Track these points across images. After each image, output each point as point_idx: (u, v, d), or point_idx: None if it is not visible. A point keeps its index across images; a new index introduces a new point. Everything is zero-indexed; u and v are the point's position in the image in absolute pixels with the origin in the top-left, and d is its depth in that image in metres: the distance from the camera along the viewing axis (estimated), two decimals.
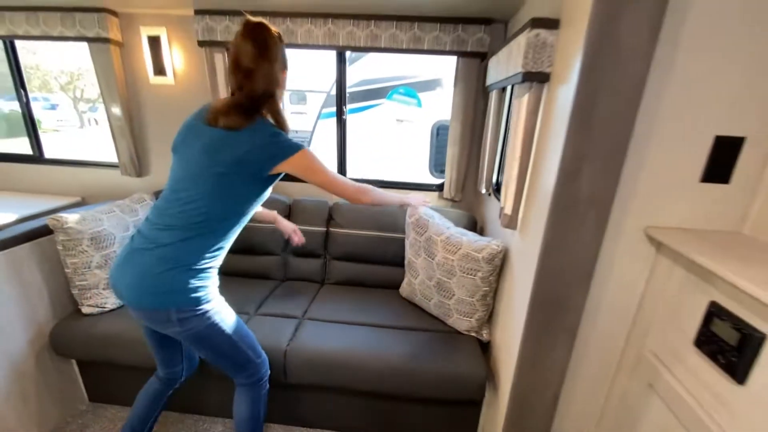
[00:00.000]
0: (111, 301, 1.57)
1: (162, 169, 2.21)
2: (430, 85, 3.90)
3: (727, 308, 0.79)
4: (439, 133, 2.84)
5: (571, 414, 1.27)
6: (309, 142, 4.38)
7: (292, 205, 1.94)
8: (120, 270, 1.06)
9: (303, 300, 1.73)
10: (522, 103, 1.18)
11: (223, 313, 1.13)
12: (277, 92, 1.11)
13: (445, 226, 1.61)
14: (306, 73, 8.94)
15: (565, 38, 1.00)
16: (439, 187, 2.10)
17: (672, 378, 0.93)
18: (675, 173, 0.98)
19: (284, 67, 1.13)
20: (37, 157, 2.33)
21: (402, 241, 1.80)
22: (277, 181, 1.15)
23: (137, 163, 2.14)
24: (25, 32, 1.93)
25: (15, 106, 2.27)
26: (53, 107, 13.76)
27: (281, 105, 1.15)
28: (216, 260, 1.12)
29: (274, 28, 1.06)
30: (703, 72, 0.90)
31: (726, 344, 0.78)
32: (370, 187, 1.32)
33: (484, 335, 1.53)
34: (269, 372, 1.30)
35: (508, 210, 1.29)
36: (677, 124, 0.95)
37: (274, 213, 1.59)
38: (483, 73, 1.82)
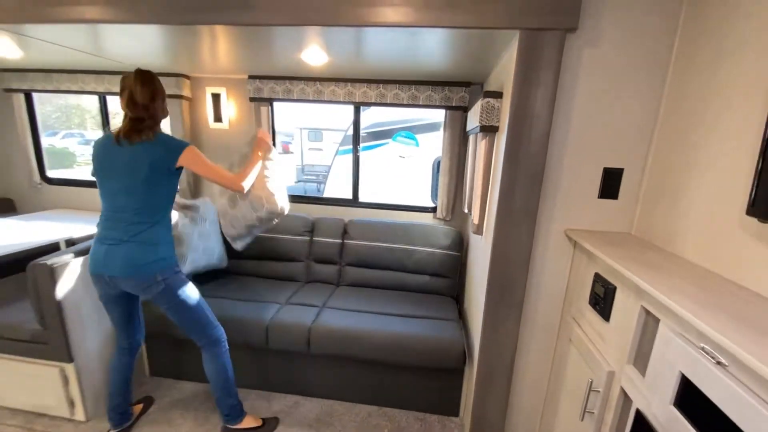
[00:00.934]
0: None
1: (211, 191, 2.75)
2: (430, 127, 4.63)
3: (600, 274, 1.23)
4: (438, 166, 3.37)
5: (527, 378, 1.65)
6: (327, 175, 5.01)
7: (314, 222, 2.45)
8: (108, 259, 1.43)
9: (323, 296, 2.18)
10: (481, 146, 1.68)
11: (181, 275, 1.55)
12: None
13: None
14: (322, 115, 9.79)
15: (504, 104, 1.52)
16: (433, 209, 2.58)
17: (579, 330, 1.35)
18: (581, 191, 1.45)
19: (164, 98, 1.52)
20: None
21: (404, 251, 2.27)
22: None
23: (193, 188, 2.70)
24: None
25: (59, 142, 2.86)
26: (88, 142, 15.04)
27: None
28: (171, 235, 1.55)
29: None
30: (590, 125, 1.39)
31: (599, 297, 1.21)
32: (241, 174, 1.63)
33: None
34: (226, 338, 1.67)
35: (475, 220, 1.76)
36: (577, 159, 1.42)
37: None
38: (465, 121, 2.36)
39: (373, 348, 1.79)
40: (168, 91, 2.48)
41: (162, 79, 2.45)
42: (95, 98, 2.80)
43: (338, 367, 1.95)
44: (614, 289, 1.14)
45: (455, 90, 2.32)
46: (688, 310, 0.78)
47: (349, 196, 2.66)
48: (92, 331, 1.85)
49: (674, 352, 0.83)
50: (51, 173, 3.02)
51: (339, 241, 2.38)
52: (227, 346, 1.70)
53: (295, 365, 1.98)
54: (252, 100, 2.46)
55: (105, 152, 1.46)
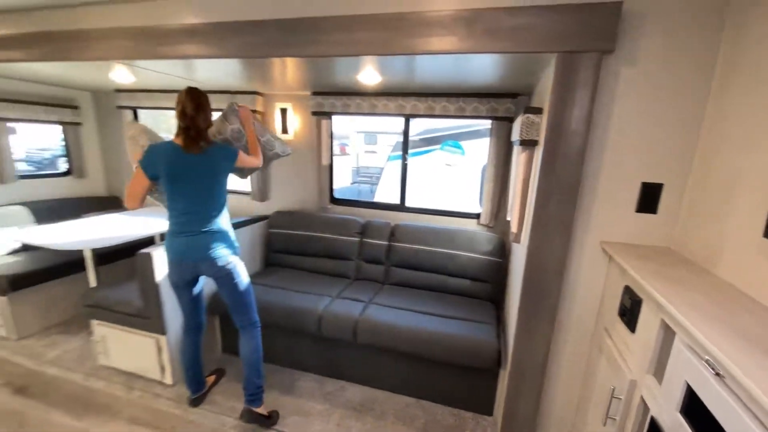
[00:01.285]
0: None
1: (277, 195, 3.10)
2: (478, 133, 4.70)
3: (630, 287, 1.28)
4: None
5: (560, 384, 1.71)
6: (379, 178, 5.27)
7: (365, 225, 2.67)
8: (190, 248, 1.72)
9: (369, 293, 2.38)
10: (521, 158, 1.77)
11: (244, 267, 1.86)
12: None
13: None
14: (377, 120, 10.14)
15: (544, 120, 1.60)
16: (477, 216, 2.67)
17: (609, 340, 1.40)
18: (618, 205, 1.48)
19: (206, 111, 1.73)
20: None
21: (447, 255, 2.40)
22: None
23: (263, 191, 3.06)
24: (216, 107, 2.99)
25: None
26: None
27: None
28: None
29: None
30: (628, 140, 1.43)
31: (627, 309, 1.26)
32: (255, 155, 1.96)
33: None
34: (260, 325, 1.93)
35: (514, 229, 1.84)
36: (614, 173, 1.46)
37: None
38: (510, 130, 2.42)
39: (412, 343, 1.95)
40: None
41: (239, 96, 2.84)
42: None
43: (381, 358, 2.13)
44: (640, 301, 1.19)
45: (501, 101, 2.39)
46: (694, 323, 0.84)
47: (397, 200, 2.85)
48: (178, 311, 2.23)
49: (683, 362, 0.89)
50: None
51: (386, 243, 2.57)
52: (260, 331, 1.95)
53: (343, 353, 2.21)
54: (314, 114, 2.74)
55: (176, 159, 1.68)
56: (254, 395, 1.90)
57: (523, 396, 1.70)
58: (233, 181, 2.07)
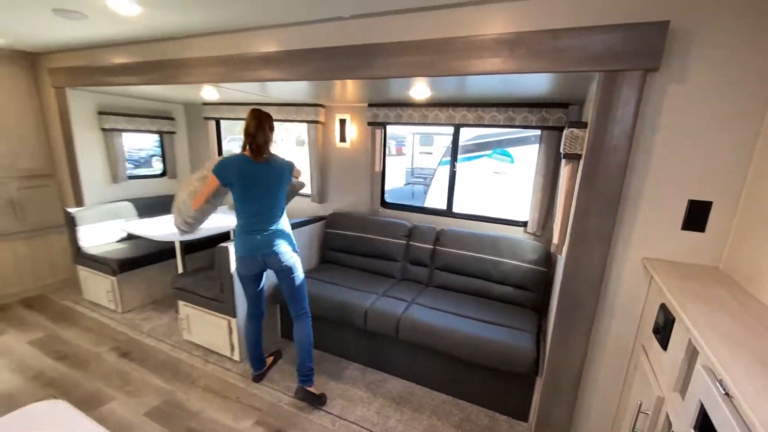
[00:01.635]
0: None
1: (334, 198, 3.37)
2: (528, 140, 4.61)
3: (665, 305, 1.28)
4: None
5: (596, 396, 1.71)
6: (431, 180, 5.39)
7: (411, 228, 2.82)
8: (261, 243, 2.00)
9: (413, 293, 2.53)
10: (565, 171, 1.79)
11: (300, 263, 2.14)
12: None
13: None
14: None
15: (587, 134, 1.63)
16: (525, 224, 2.69)
17: (644, 357, 1.40)
18: (662, 221, 1.47)
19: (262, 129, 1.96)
20: None
21: (490, 261, 2.46)
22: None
23: (321, 193, 3.35)
24: (282, 118, 3.36)
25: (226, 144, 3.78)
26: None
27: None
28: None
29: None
30: (674, 157, 1.41)
31: (661, 326, 1.27)
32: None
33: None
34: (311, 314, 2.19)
35: (555, 240, 1.88)
36: (658, 189, 1.45)
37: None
38: (559, 140, 2.41)
39: (448, 343, 2.06)
40: (307, 118, 3.19)
41: (304, 108, 3.14)
42: None
43: (421, 356, 2.27)
44: (673, 320, 1.20)
45: (552, 111, 2.40)
46: (710, 344, 0.88)
47: (445, 206, 2.96)
48: (245, 299, 2.57)
49: (700, 381, 0.92)
50: None
51: (431, 246, 2.70)
52: (311, 320, 2.20)
53: (385, 348, 2.38)
54: (369, 124, 2.96)
55: (248, 168, 1.95)
56: (306, 376, 2.14)
57: (557, 405, 1.74)
58: None
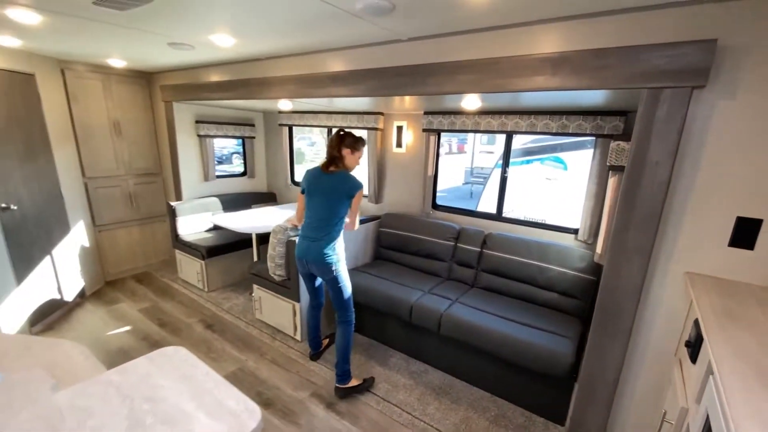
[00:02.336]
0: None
1: (389, 199, 3.61)
2: (582, 145, 4.40)
3: (698, 320, 1.30)
4: None
5: (633, 405, 1.73)
6: (486, 181, 5.40)
7: (460, 231, 2.95)
8: (308, 250, 2.17)
9: (457, 292, 2.66)
10: (611, 183, 1.82)
11: (345, 270, 2.25)
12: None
13: None
14: None
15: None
16: (575, 231, 2.68)
17: (678, 370, 1.42)
18: (706, 237, 1.47)
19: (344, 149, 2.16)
20: None
21: (537, 267, 2.52)
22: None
23: (377, 194, 3.62)
24: (345, 125, 3.68)
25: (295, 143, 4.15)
26: (313, 144, 19.72)
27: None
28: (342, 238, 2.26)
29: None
30: (722, 173, 1.41)
31: (692, 342, 1.30)
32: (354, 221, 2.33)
33: None
34: (354, 322, 2.31)
35: (599, 250, 1.91)
36: (704, 205, 1.45)
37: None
38: None
39: (487, 341, 2.18)
40: (368, 125, 3.46)
41: (364, 116, 3.42)
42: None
43: (462, 352, 2.41)
44: (702, 339, 1.23)
45: (608, 119, 2.36)
46: (719, 361, 0.94)
47: (494, 210, 3.04)
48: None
49: (708, 392, 0.99)
50: (297, 178, 4.53)
51: (478, 249, 2.81)
52: (353, 329, 2.35)
53: (429, 341, 2.56)
54: (424, 130, 3.14)
55: (315, 178, 2.20)
56: (341, 376, 2.31)
57: (592, 411, 1.79)
58: None
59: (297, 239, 2.36)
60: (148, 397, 0.86)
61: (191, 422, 0.80)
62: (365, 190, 3.42)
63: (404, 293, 2.61)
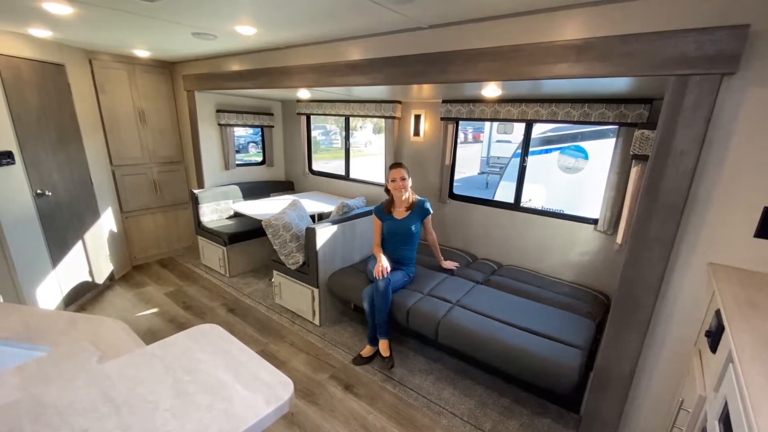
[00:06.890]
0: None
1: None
2: (606, 134, 4.30)
3: (719, 310, 1.30)
4: None
5: (649, 396, 1.74)
6: (503, 172, 5.37)
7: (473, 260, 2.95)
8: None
9: (460, 292, 2.55)
10: (633, 172, 1.80)
11: None
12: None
13: None
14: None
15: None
16: (595, 221, 2.65)
17: (697, 360, 1.42)
18: (732, 227, 1.44)
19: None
20: (346, 177, 4.23)
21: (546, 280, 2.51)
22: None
23: None
24: (362, 113, 3.70)
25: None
26: (327, 133, 19.70)
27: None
28: None
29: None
30: (750, 163, 1.38)
31: (712, 331, 1.30)
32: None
33: None
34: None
35: (619, 240, 1.90)
36: (730, 195, 1.43)
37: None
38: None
39: (487, 354, 2.08)
40: (386, 114, 3.47)
41: (382, 105, 3.43)
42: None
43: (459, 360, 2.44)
44: (723, 327, 1.23)
45: (632, 107, 2.31)
46: (740, 348, 0.95)
47: (512, 199, 3.03)
48: (328, 272, 2.97)
49: (728, 380, 1.00)
50: (314, 167, 4.59)
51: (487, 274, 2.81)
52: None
53: (429, 341, 2.55)
54: (442, 119, 3.13)
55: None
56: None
57: (607, 397, 1.81)
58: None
59: None
60: (188, 369, 0.93)
61: (229, 392, 0.86)
62: (380, 179, 3.45)
63: (404, 295, 2.53)
